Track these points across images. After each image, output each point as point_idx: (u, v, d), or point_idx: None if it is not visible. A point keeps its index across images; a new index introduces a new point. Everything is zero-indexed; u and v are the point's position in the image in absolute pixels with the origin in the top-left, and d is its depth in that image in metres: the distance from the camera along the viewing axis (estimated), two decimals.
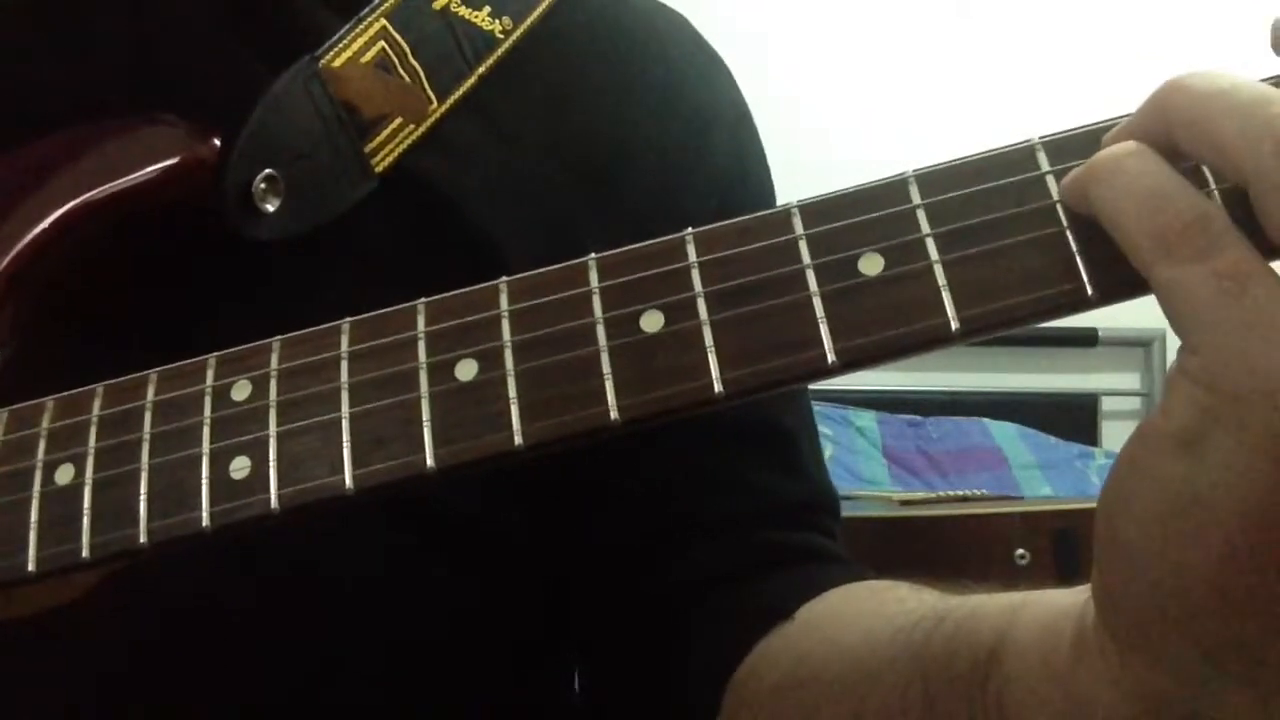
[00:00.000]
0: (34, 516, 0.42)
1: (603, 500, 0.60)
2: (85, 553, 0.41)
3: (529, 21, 0.62)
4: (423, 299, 0.40)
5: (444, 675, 0.60)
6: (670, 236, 0.37)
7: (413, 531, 0.56)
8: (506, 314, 0.38)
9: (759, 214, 0.37)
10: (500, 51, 0.60)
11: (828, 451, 2.54)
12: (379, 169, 0.57)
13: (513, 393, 0.37)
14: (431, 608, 0.58)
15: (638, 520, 0.61)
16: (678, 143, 0.64)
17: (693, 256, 0.37)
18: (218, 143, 0.53)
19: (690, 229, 0.37)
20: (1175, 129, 0.34)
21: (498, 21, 0.61)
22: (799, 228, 0.36)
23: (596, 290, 0.37)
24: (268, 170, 0.53)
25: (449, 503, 0.56)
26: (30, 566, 0.41)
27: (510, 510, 0.59)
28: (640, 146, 0.63)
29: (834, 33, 3.01)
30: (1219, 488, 0.32)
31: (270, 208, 0.54)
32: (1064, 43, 2.91)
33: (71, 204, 0.52)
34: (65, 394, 0.44)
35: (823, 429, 2.61)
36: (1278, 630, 0.33)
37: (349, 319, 0.40)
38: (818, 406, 2.70)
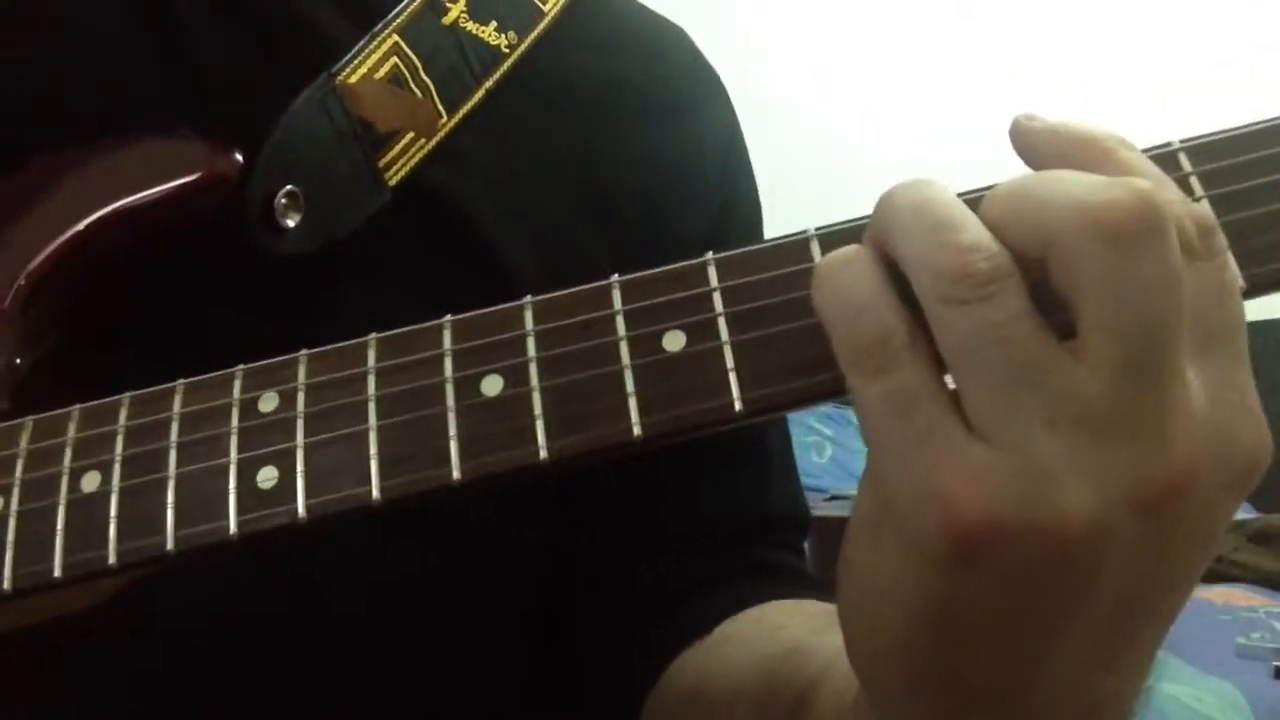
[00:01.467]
0: (60, 523, 0.42)
1: (575, 512, 0.61)
2: (112, 559, 0.41)
3: (533, 36, 0.63)
4: (449, 316, 0.40)
5: (454, 681, 0.60)
6: (692, 261, 0.38)
7: (425, 540, 0.56)
8: (532, 333, 0.39)
9: (779, 240, 0.38)
10: (506, 65, 0.62)
11: (827, 452, 2.55)
12: (392, 183, 0.58)
13: (538, 409, 0.38)
14: (442, 615, 0.59)
15: (605, 533, 0.63)
16: (672, 160, 0.65)
17: (714, 281, 0.38)
18: (239, 158, 0.54)
19: (712, 254, 0.38)
20: (878, 237, 0.35)
21: (503, 36, 0.62)
22: (817, 254, 0.37)
23: (620, 311, 0.38)
24: (289, 186, 0.54)
25: (461, 512, 0.57)
26: (57, 572, 0.42)
27: (521, 519, 0.60)
28: (635, 162, 0.64)
29: (834, 33, 3.02)
30: (891, 583, 0.34)
31: (291, 223, 0.54)
32: (1063, 43, 2.91)
33: (93, 216, 0.53)
34: (90, 404, 0.44)
35: (823, 429, 2.63)
36: (965, 710, 0.36)
37: (375, 335, 0.41)
38: (818, 406, 2.71)
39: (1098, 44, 2.89)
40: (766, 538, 0.65)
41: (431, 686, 0.59)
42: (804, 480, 0.71)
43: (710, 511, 0.64)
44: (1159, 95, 2.49)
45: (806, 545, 0.69)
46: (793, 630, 0.54)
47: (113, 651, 0.55)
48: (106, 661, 0.55)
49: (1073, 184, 0.33)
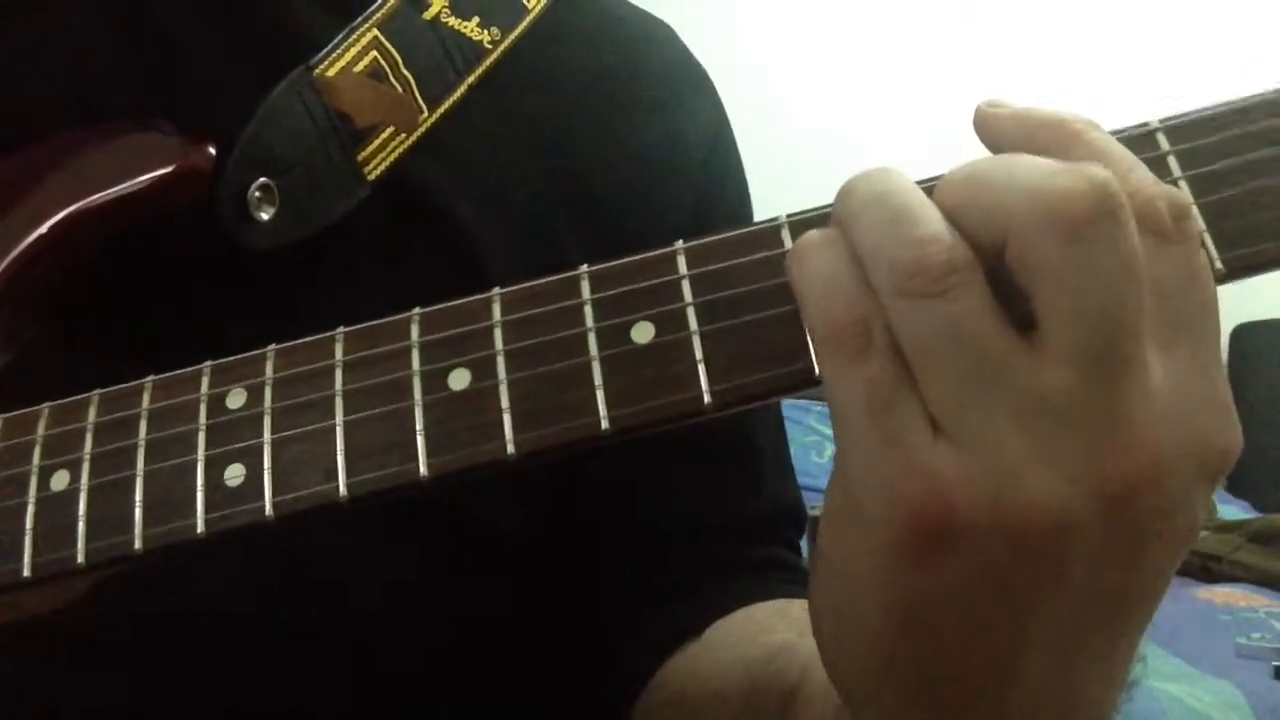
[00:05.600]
0: (29, 523, 0.42)
1: (570, 506, 0.61)
2: (81, 558, 0.41)
3: (517, 32, 0.63)
4: (417, 309, 0.40)
5: (443, 680, 0.60)
6: (662, 250, 0.38)
7: (410, 532, 0.56)
8: (499, 324, 0.38)
9: (750, 228, 0.38)
10: (489, 62, 0.61)
11: (827, 452, 2.54)
12: (371, 177, 0.57)
13: (505, 402, 0.37)
14: (428, 612, 0.59)
15: (602, 528, 0.62)
16: (654, 156, 0.65)
17: (684, 269, 0.37)
18: (212, 151, 0.53)
19: (682, 242, 0.38)
20: (838, 228, 0.35)
21: (486, 32, 0.61)
22: (788, 242, 0.36)
23: (588, 302, 0.38)
24: (263, 179, 0.54)
25: (440, 504, 0.56)
26: (26, 572, 0.42)
27: (502, 512, 0.59)
28: (617, 158, 0.64)
29: (837, 37, 3.01)
30: (859, 583, 0.34)
31: (265, 216, 0.54)
32: (1067, 47, 2.91)
33: (66, 211, 0.52)
34: (60, 401, 0.44)
35: (823, 429, 2.62)
36: (942, 713, 0.35)
37: (343, 329, 0.41)
38: (818, 407, 2.68)
39: (1103, 49, 2.88)
40: (761, 534, 0.65)
41: (420, 685, 0.59)
42: (803, 480, 0.71)
43: (702, 509, 0.63)
44: (1166, 101, 2.48)
45: (805, 543, 0.69)
46: (778, 632, 0.54)
47: (100, 650, 0.55)
48: (92, 660, 0.55)
49: (1027, 171, 0.32)
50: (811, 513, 0.70)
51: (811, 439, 2.55)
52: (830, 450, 2.48)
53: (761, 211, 0.71)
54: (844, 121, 2.93)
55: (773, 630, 0.55)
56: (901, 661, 0.34)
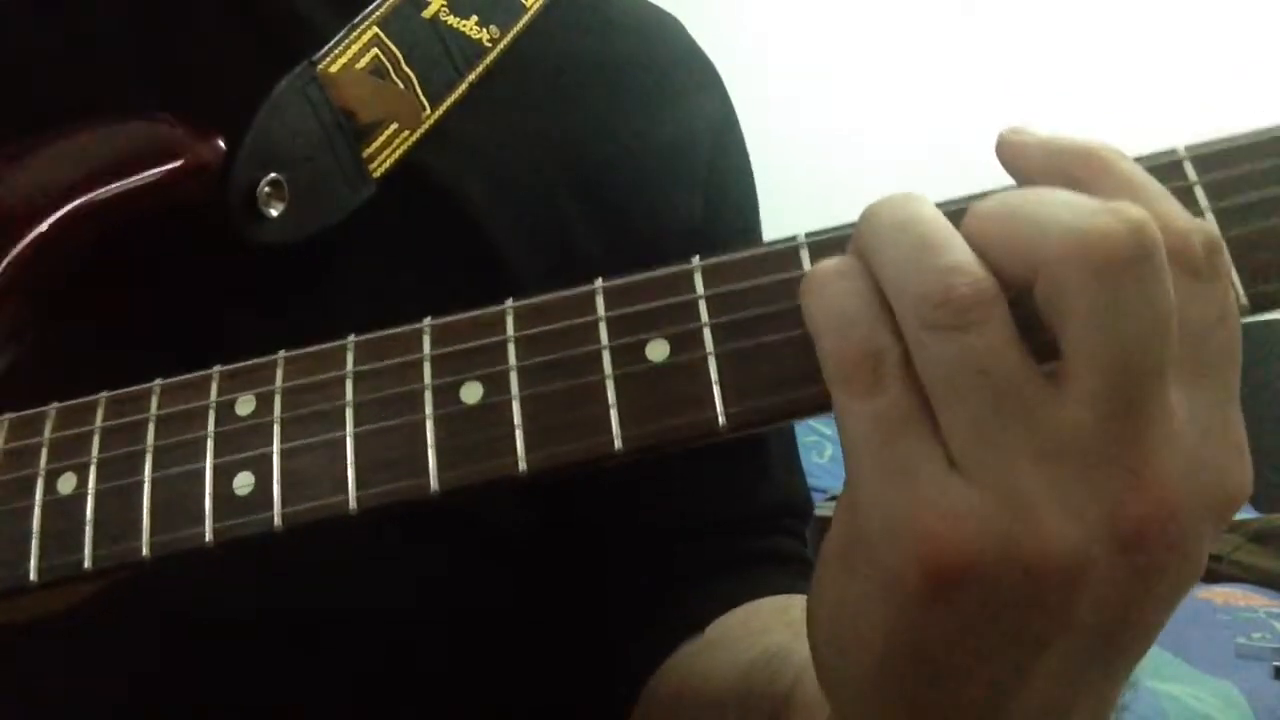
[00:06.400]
0: (36, 526, 0.42)
1: (575, 504, 0.61)
2: (88, 563, 0.41)
3: (515, 30, 0.63)
4: (428, 320, 0.39)
5: (445, 676, 0.60)
6: (678, 267, 0.37)
7: (413, 533, 0.56)
8: (513, 339, 0.38)
9: (768, 247, 0.37)
10: (488, 60, 0.61)
11: (828, 451, 2.55)
12: (376, 174, 0.57)
13: (517, 418, 0.37)
14: (432, 607, 0.59)
15: (607, 523, 0.62)
16: (660, 149, 0.65)
17: (700, 289, 0.37)
18: (222, 145, 0.53)
19: (698, 258, 0.37)
20: (860, 255, 0.34)
21: (485, 30, 0.61)
22: (807, 263, 0.36)
23: (603, 318, 0.37)
24: (272, 174, 0.54)
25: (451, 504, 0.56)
26: (32, 576, 0.41)
27: (509, 510, 0.59)
28: (625, 150, 0.64)
29: (837, 31, 3.00)
30: (862, 614, 0.34)
31: (274, 211, 0.54)
32: (1067, 41, 2.90)
33: (73, 204, 0.52)
34: (67, 403, 0.44)
35: (823, 429, 2.62)
36: None
37: (353, 338, 0.40)
38: None
39: (1105, 43, 2.87)
40: (766, 525, 0.65)
41: (422, 683, 0.59)
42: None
43: (709, 503, 0.63)
44: (1168, 96, 2.48)
45: (808, 540, 0.69)
46: (776, 634, 0.54)
47: (90, 654, 0.54)
48: (95, 660, 0.55)
49: (1063, 207, 0.31)
50: (815, 512, 0.70)
51: (812, 439, 2.56)
52: (831, 450, 2.48)
53: (766, 210, 0.71)
54: (844, 118, 2.92)
55: (770, 632, 0.55)
56: (898, 687, 0.34)
